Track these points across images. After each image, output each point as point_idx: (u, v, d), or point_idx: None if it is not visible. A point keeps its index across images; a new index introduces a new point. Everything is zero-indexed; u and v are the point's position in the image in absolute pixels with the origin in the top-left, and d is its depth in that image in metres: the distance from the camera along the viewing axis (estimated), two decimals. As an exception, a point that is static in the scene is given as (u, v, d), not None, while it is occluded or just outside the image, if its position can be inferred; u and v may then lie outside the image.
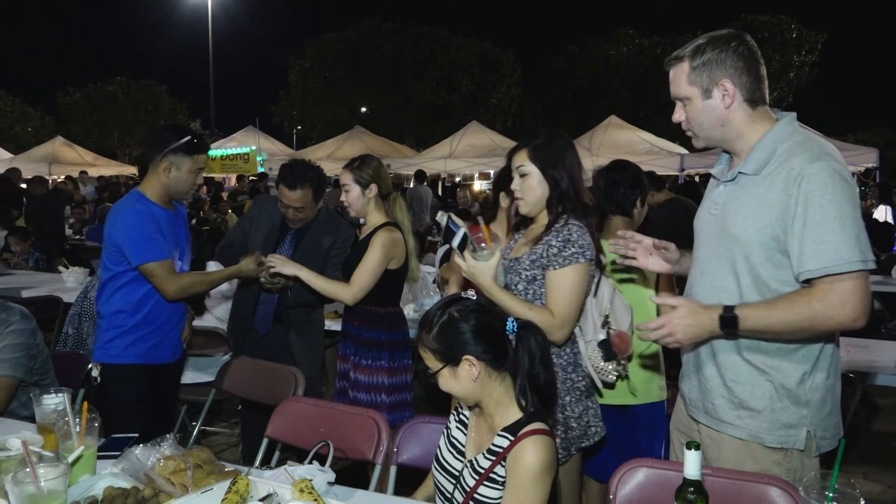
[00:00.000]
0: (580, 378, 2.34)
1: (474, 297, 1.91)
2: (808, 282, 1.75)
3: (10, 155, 20.39)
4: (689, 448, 1.45)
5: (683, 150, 14.87)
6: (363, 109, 32.24)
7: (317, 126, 32.22)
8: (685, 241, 2.37)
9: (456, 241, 2.38)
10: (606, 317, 2.41)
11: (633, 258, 2.21)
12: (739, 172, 1.89)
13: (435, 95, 31.64)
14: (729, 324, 1.79)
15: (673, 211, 6.16)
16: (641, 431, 2.79)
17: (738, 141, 1.91)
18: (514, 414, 1.85)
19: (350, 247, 3.29)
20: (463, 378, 1.84)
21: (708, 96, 1.87)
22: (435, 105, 31.40)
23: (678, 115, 1.96)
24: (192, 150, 2.86)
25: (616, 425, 2.85)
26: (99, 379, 2.87)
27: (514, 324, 1.87)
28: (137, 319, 2.87)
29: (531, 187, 2.35)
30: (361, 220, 3.18)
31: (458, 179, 19.43)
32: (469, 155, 16.03)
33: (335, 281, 3.07)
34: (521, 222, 2.51)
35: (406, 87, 31.36)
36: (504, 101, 32.92)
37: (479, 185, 18.71)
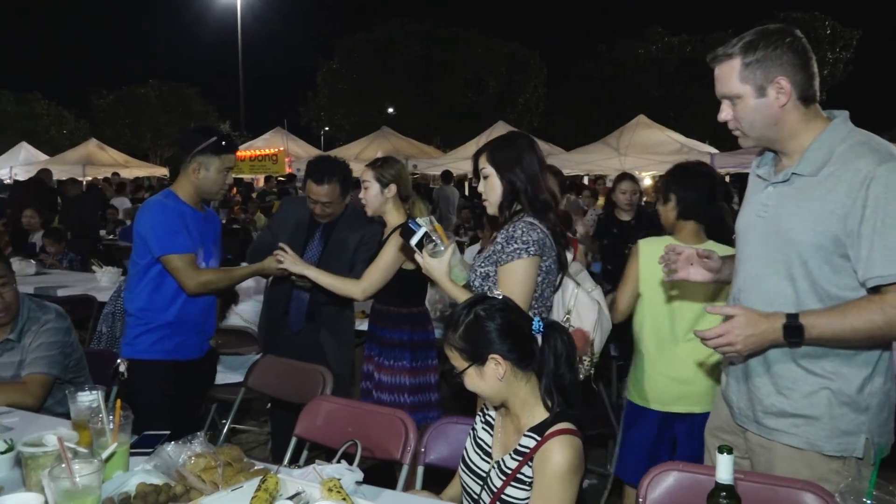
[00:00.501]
0: None
1: (500, 296, 1.90)
2: (875, 287, 1.69)
3: (45, 157, 20.86)
4: (721, 452, 1.42)
5: (713, 150, 14.67)
6: (390, 110, 32.35)
7: (344, 127, 32.41)
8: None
9: (414, 240, 2.45)
10: (568, 313, 2.46)
11: (675, 271, 2.17)
12: (793, 173, 1.81)
13: (462, 96, 31.63)
14: (794, 333, 1.72)
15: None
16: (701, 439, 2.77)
17: (791, 140, 1.83)
18: (541, 414, 1.84)
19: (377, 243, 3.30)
20: (489, 377, 1.84)
21: (761, 94, 1.79)
22: (462, 105, 31.39)
23: (725, 114, 1.87)
24: (220, 151, 2.90)
25: (675, 433, 2.82)
26: (126, 374, 2.92)
27: (541, 323, 1.86)
28: (164, 317, 2.91)
29: (493, 188, 2.44)
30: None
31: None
32: (496, 155, 15.96)
33: (344, 278, 3.07)
34: (493, 222, 2.59)
35: (433, 88, 31.40)
36: (531, 101, 32.80)
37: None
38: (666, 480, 1.90)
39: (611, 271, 5.31)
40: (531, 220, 2.37)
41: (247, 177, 19.09)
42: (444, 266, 2.40)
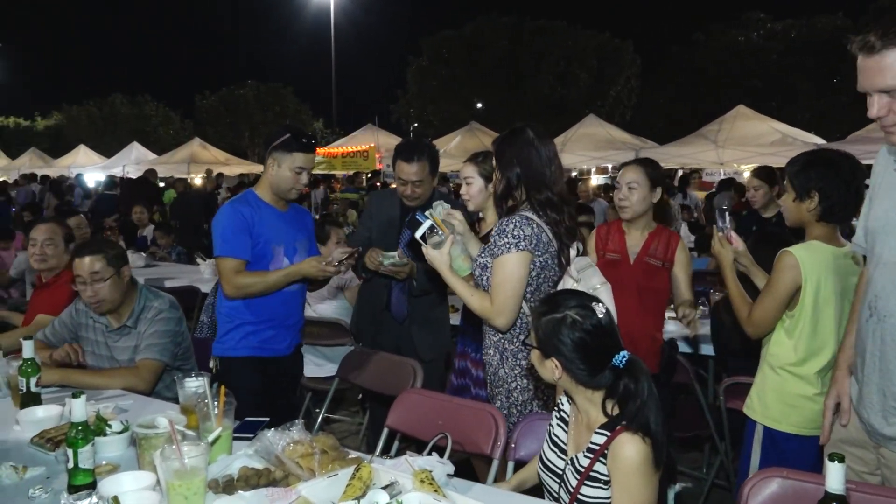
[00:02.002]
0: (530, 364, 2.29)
1: (604, 313, 1.84)
2: None
3: (154, 156, 22.19)
4: (832, 460, 1.35)
5: (820, 140, 13.87)
6: (479, 105, 32.38)
7: (433, 123, 32.71)
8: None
9: (419, 232, 2.51)
10: None
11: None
12: None
13: (551, 89, 31.27)
14: None
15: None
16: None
17: None
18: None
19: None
20: (547, 370, 1.88)
21: None
22: (551, 99, 31.04)
23: (880, 109, 1.64)
24: (292, 148, 2.90)
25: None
26: (216, 370, 3.03)
27: (624, 358, 1.80)
28: (247, 314, 2.98)
29: (496, 181, 2.52)
30: (480, 215, 3.17)
31: (574, 174, 19.09)
32: (585, 148, 15.69)
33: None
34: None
35: (521, 82, 31.20)
36: (623, 94, 32.06)
37: (595, 180, 18.30)
38: (769, 487, 1.82)
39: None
40: (528, 214, 2.40)
41: (339, 173, 19.58)
42: (445, 257, 2.46)
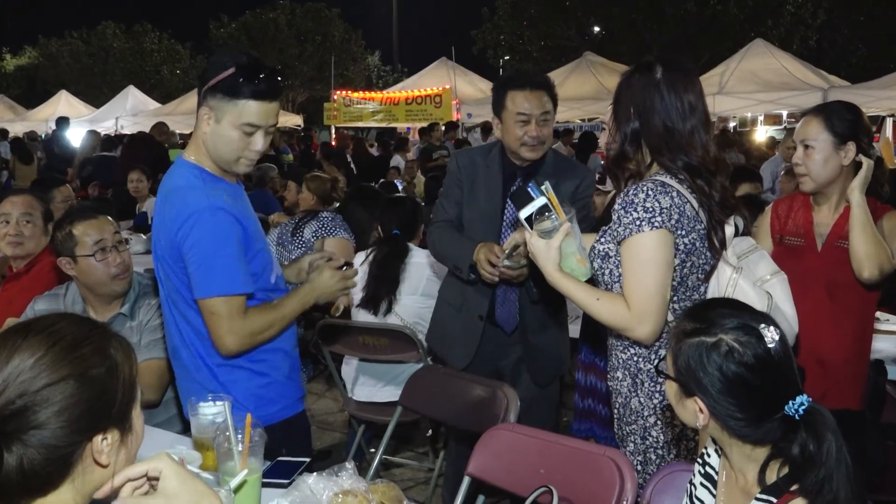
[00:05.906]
0: None
1: (774, 342, 1.75)
2: None
3: (156, 104, 22.96)
4: None
5: None
6: (596, 29, 32.00)
7: (531, 54, 32.57)
8: None
9: (525, 213, 2.40)
10: None
11: None
12: None
13: (700, 5, 30.56)
14: None
15: None
16: None
17: None
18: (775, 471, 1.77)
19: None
20: (688, 412, 1.84)
21: None
22: (700, 18, 30.33)
23: None
24: (236, 91, 2.43)
25: None
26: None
27: (802, 407, 1.70)
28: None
29: (609, 139, 2.52)
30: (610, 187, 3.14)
31: (733, 125, 18.61)
32: (749, 89, 15.25)
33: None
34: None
35: (658, -4, 30.65)
36: (804, 10, 31.00)
37: (764, 133, 17.81)
38: None
39: None
40: (664, 179, 2.35)
41: (402, 126, 19.76)
42: (553, 251, 2.38)
